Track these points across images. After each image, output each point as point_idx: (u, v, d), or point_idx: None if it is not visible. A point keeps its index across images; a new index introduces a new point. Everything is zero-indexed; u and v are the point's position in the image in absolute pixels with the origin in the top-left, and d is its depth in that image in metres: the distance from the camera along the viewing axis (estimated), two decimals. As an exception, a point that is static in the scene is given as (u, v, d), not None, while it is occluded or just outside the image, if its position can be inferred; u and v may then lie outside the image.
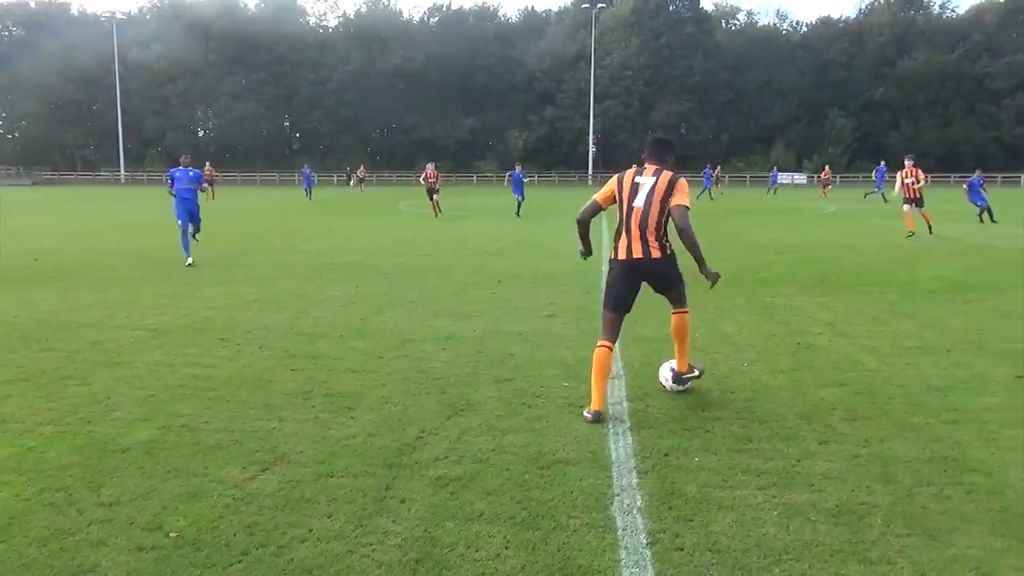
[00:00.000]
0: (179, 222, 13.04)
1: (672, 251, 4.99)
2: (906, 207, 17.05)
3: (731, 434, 4.54)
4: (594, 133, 76.42)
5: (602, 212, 5.23)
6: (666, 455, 4.22)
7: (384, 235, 18.64)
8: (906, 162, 17.26)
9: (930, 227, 17.21)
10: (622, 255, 4.94)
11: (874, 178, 39.84)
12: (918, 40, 79.21)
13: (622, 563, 3.08)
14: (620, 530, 3.36)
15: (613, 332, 5.00)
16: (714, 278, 4.99)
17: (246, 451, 4.28)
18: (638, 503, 3.63)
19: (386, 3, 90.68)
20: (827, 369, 6.02)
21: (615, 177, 5.11)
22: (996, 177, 58.77)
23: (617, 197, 5.03)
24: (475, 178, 76.02)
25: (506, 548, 3.20)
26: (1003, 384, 5.58)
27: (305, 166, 45.55)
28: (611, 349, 4.93)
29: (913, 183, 16.91)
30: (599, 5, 76.16)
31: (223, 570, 3.04)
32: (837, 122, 77.75)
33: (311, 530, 3.35)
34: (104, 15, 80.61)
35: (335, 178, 71.29)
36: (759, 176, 68.57)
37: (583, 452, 4.27)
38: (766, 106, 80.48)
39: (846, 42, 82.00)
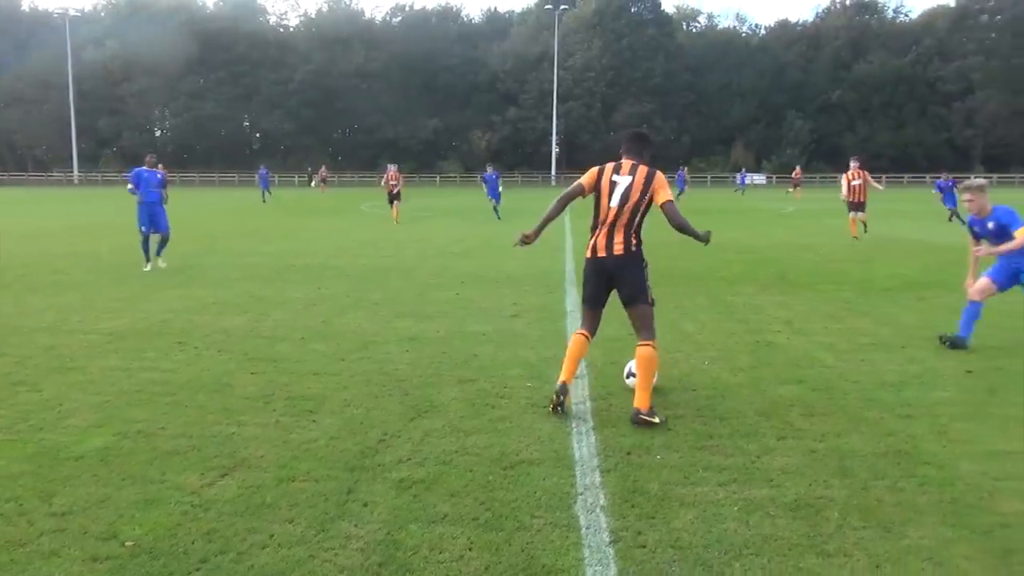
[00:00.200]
0: (141, 229, 12.10)
1: (639, 250, 4.93)
2: (851, 214, 16.90)
3: (692, 431, 4.60)
4: (557, 134, 76.68)
5: (571, 204, 5.11)
6: (628, 453, 4.26)
7: (346, 236, 18.48)
8: (852, 164, 17.22)
9: (865, 226, 17.01)
10: (590, 253, 5.02)
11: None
12: (873, 44, 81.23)
13: (585, 562, 3.10)
14: (583, 529, 3.38)
15: (590, 325, 5.11)
16: (707, 237, 5.06)
17: (204, 457, 4.21)
18: (601, 502, 3.65)
19: (348, 2, 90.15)
20: (785, 366, 6.13)
21: (596, 168, 5.09)
22: (949, 179, 60.17)
23: (595, 191, 5.02)
24: (438, 179, 75.76)
25: (470, 549, 3.20)
26: (954, 379, 5.74)
27: (262, 167, 43.67)
28: (588, 338, 5.05)
29: (860, 185, 16.77)
30: (562, 7, 76.61)
31: (181, 578, 2.98)
32: (795, 123, 79.38)
33: (272, 536, 3.31)
34: (57, 12, 78.36)
35: (296, 179, 70.46)
36: (720, 176, 69.40)
37: (546, 452, 4.29)
38: (726, 107, 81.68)
39: (803, 45, 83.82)
